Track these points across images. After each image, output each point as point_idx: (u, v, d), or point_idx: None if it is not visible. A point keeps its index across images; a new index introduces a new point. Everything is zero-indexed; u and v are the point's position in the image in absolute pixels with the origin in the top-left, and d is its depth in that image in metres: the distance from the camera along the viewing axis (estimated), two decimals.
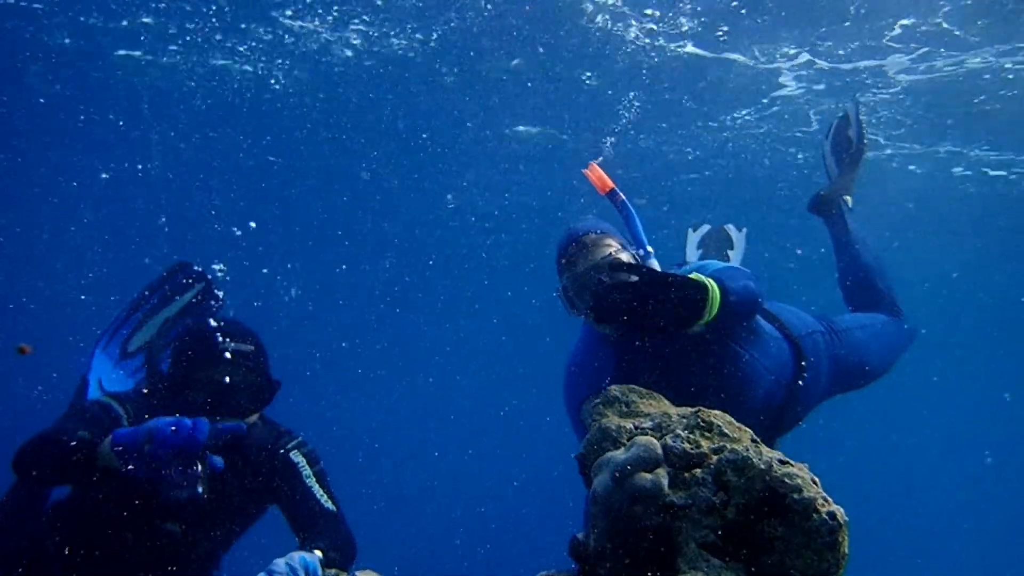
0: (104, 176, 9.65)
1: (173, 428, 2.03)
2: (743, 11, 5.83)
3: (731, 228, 3.92)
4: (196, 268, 3.19)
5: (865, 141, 3.84)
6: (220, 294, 3.28)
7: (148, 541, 2.42)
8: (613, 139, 8.19)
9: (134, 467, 2.03)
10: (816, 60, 6.65)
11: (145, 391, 2.60)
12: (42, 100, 7.89)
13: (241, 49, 6.73)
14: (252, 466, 2.58)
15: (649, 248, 2.48)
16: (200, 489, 2.09)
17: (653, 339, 2.41)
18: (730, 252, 3.88)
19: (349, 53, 6.79)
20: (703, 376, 2.41)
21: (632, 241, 2.52)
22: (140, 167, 9.45)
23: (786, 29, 6.16)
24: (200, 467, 2.08)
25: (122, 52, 6.91)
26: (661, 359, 2.43)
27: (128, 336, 3.12)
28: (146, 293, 3.14)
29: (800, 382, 2.66)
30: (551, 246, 2.62)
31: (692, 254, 3.97)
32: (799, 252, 11.73)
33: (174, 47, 6.74)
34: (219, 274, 3.11)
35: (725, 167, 9.33)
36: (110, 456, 2.06)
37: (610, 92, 7.35)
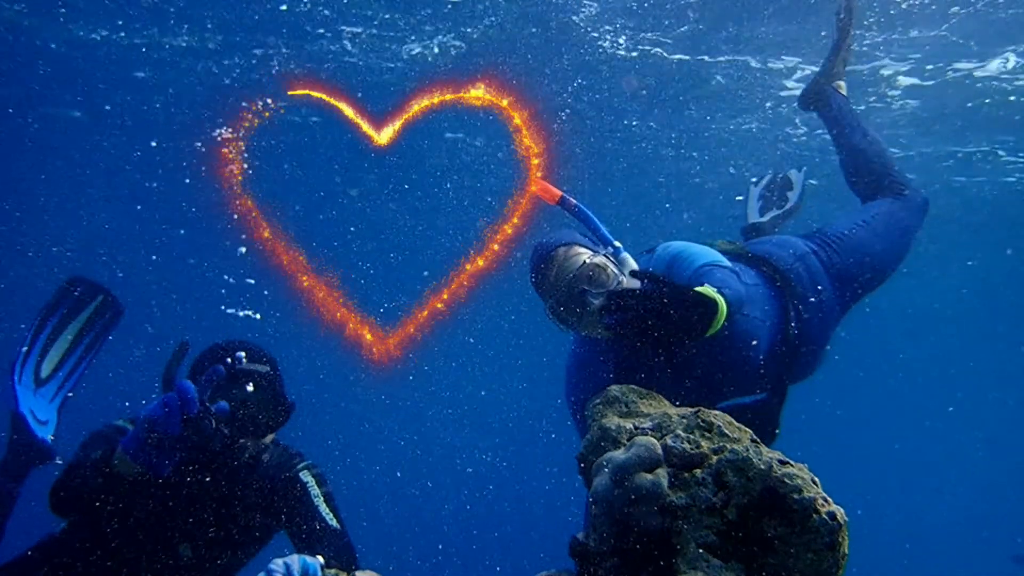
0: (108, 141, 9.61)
1: (164, 407, 2.04)
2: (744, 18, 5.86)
3: (792, 172, 3.86)
4: (91, 281, 3.18)
5: (851, 20, 3.64)
6: (120, 306, 3.28)
7: (160, 565, 2.42)
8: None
9: (156, 461, 2.05)
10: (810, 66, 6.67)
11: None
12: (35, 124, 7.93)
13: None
14: (264, 485, 2.60)
15: (617, 243, 2.46)
16: (226, 430, 2.21)
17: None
18: (789, 193, 3.83)
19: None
20: (703, 352, 2.38)
21: (598, 241, 2.50)
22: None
23: (789, 34, 6.19)
24: (213, 422, 2.12)
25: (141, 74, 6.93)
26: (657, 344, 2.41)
27: (38, 363, 3.12)
28: (44, 316, 3.13)
29: (798, 315, 2.60)
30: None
31: (754, 207, 3.89)
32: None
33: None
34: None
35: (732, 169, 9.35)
36: (126, 463, 2.08)
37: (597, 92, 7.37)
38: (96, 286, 3.20)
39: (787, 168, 3.99)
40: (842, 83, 3.67)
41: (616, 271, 2.38)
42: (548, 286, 2.41)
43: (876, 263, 2.97)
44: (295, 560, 2.00)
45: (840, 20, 3.64)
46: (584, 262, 2.36)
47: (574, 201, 2.53)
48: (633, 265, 2.42)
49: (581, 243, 2.45)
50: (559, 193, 2.54)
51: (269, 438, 2.59)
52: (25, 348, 3.10)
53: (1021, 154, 8.60)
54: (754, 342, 2.45)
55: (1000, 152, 8.56)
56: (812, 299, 2.71)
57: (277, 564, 1.98)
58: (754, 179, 4.02)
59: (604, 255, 2.42)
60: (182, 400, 2.04)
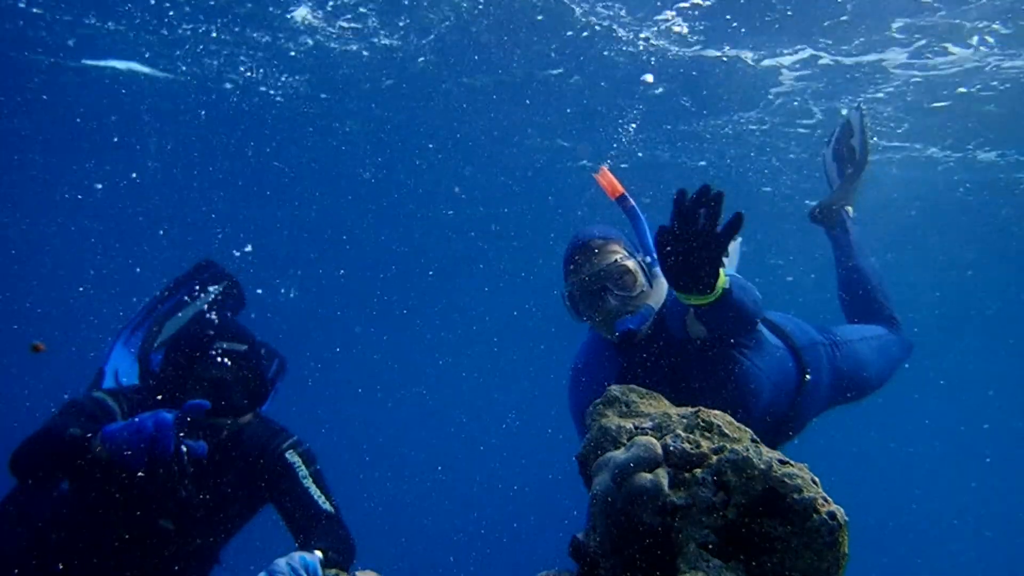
0: (99, 186, 9.70)
1: (140, 433, 2.00)
2: (740, 11, 5.85)
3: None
4: (221, 267, 3.19)
5: (868, 151, 3.76)
6: (242, 293, 3.27)
7: (142, 538, 2.41)
8: (615, 150, 8.18)
9: (133, 459, 2.03)
10: (818, 56, 6.66)
11: (139, 389, 2.60)
12: (44, 98, 7.94)
13: (240, 55, 6.76)
14: (246, 464, 2.57)
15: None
16: (190, 484, 2.15)
17: (655, 342, 2.41)
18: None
19: (351, 49, 6.80)
20: (706, 383, 2.41)
21: (639, 247, 2.52)
22: (137, 176, 9.49)
23: (786, 27, 6.17)
24: (177, 467, 2.07)
25: (111, 62, 6.94)
26: (665, 365, 2.43)
27: (150, 334, 3.11)
28: (168, 291, 3.13)
29: (801, 392, 2.66)
30: (551, 250, 2.62)
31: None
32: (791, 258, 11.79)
33: (178, 51, 6.77)
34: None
35: (726, 167, 9.34)
36: (103, 451, 2.07)
37: (602, 108, 7.40)
38: (223, 272, 3.20)
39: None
40: (851, 207, 3.77)
41: (644, 281, 2.41)
42: (575, 272, 2.44)
43: (866, 377, 3.09)
44: (296, 560, 2.01)
45: (858, 156, 3.77)
46: (616, 260, 2.38)
47: (632, 202, 2.55)
48: (663, 283, 2.44)
49: (621, 242, 2.48)
50: (621, 189, 2.55)
51: (247, 417, 2.56)
52: (142, 315, 3.08)
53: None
54: (753, 394, 2.47)
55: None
56: (816, 380, 2.77)
57: (278, 565, 1.98)
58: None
59: (638, 260, 2.44)
60: (155, 441, 1.99)
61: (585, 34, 6.27)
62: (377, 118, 8.09)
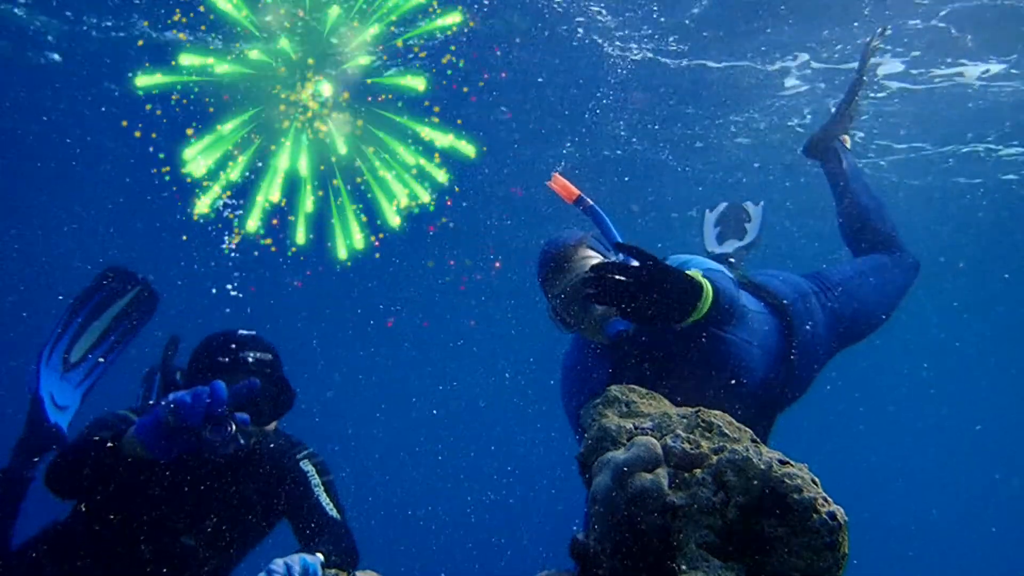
0: (109, 143, 9.57)
1: (194, 397, 2.07)
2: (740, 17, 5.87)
3: (748, 204, 3.88)
4: (130, 272, 3.20)
5: (863, 79, 3.70)
6: (156, 296, 3.28)
7: (163, 554, 2.42)
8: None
9: (166, 443, 2.07)
10: (814, 63, 6.68)
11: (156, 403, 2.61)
12: (45, 118, 7.94)
13: None
14: (264, 477, 2.60)
15: None
16: (242, 440, 2.19)
17: (644, 335, 2.41)
18: (747, 225, 3.83)
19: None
20: (697, 368, 2.39)
21: (609, 245, 2.49)
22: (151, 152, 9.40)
23: (786, 32, 6.19)
24: (232, 426, 2.14)
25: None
26: (653, 356, 2.42)
27: (68, 347, 3.12)
28: (80, 302, 3.14)
29: (795, 347, 2.63)
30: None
31: (710, 234, 3.94)
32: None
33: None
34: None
35: (725, 168, 9.35)
36: (135, 444, 2.08)
37: (604, 97, 7.42)
38: (133, 276, 3.21)
39: (744, 199, 4.02)
40: (847, 136, 3.72)
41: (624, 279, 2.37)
42: (554, 285, 2.40)
43: (869, 315, 3.05)
44: (296, 560, 2.01)
45: (853, 82, 3.71)
46: (593, 265, 2.36)
47: (591, 202, 2.51)
48: None
49: (592, 245, 2.44)
50: (576, 192, 2.51)
51: (272, 426, 2.58)
52: (57, 332, 3.09)
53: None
54: (747, 368, 2.46)
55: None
56: (811, 331, 2.74)
57: (277, 564, 1.98)
58: (709, 207, 4.05)
59: (610, 259, 2.42)
60: (213, 397, 2.07)
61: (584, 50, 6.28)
62: None
